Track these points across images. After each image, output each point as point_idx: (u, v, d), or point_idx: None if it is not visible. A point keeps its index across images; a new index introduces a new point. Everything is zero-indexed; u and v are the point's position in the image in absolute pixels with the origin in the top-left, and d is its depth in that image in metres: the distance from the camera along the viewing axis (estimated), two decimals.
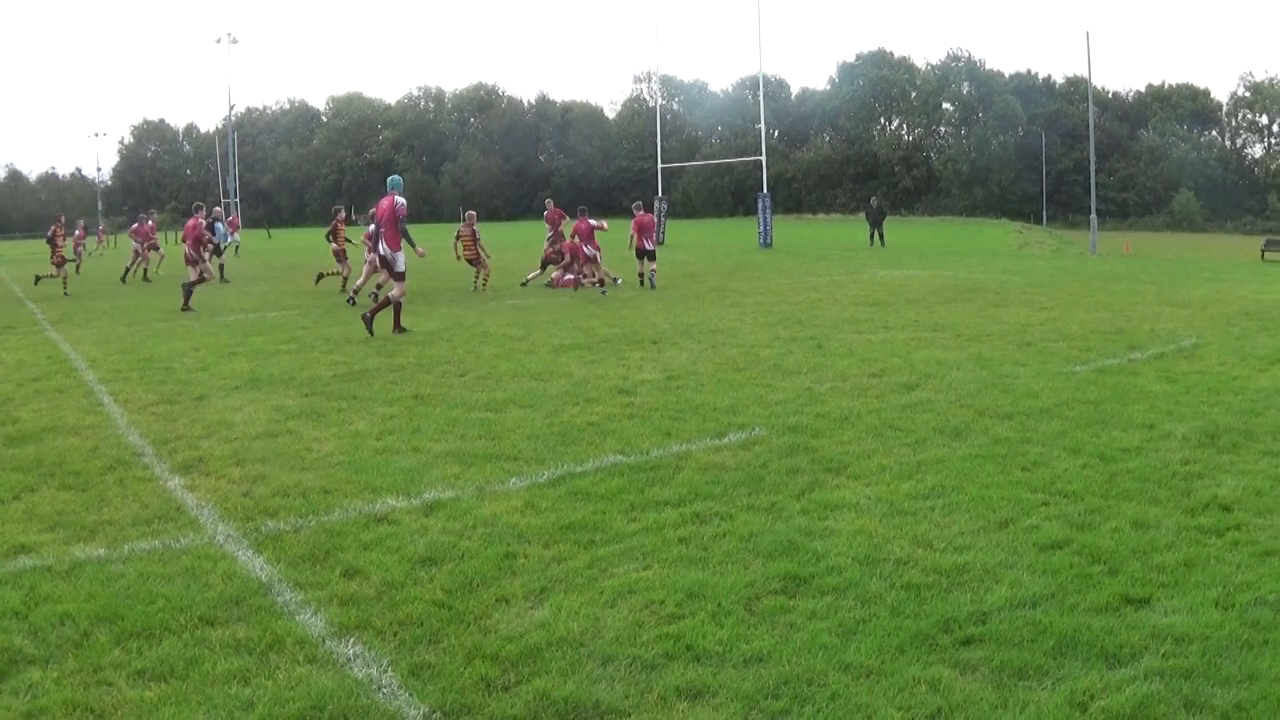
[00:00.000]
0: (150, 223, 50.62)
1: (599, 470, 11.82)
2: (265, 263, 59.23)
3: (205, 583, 8.62)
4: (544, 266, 40.12)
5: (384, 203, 25.45)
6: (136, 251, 48.64)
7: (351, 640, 7.52)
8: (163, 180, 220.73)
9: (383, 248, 25.51)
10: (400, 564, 8.97)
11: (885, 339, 22.20)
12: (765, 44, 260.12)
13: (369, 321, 24.26)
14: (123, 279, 45.86)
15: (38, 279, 44.66)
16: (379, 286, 31.93)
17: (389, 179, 26.12)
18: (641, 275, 37.21)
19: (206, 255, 38.40)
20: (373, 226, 28.48)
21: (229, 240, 48.68)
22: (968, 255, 58.74)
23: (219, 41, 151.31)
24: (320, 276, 40.83)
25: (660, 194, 76.00)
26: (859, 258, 46.43)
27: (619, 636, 7.47)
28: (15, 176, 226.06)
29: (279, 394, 16.96)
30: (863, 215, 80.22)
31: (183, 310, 31.26)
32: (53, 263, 42.79)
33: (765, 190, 72.04)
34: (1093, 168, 76.67)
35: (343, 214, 41.91)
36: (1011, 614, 7.66)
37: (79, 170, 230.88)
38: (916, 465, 11.82)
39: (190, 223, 36.14)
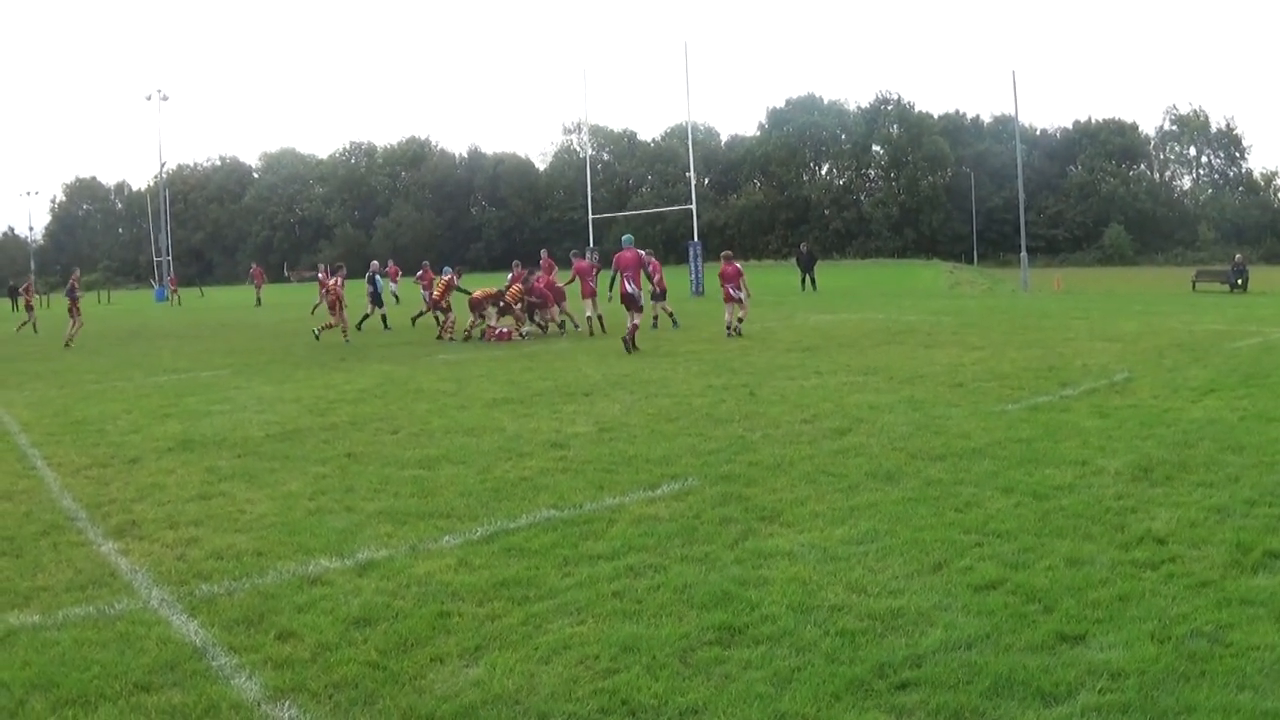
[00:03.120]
0: (26, 284, 50.68)
1: (532, 525, 11.75)
2: (198, 321, 58.76)
3: (140, 648, 8.52)
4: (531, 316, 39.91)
5: (628, 254, 33.31)
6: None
7: (287, 704, 7.45)
8: (95, 239, 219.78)
9: (629, 286, 32.70)
10: (334, 625, 8.88)
11: (817, 384, 22.20)
12: (694, 92, 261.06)
13: (629, 344, 31.13)
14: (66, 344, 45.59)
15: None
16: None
17: (624, 237, 35.06)
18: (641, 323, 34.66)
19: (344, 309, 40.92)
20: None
21: (392, 288, 48.82)
22: (900, 297, 59.02)
23: (149, 99, 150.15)
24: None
25: (591, 245, 76.00)
26: (791, 303, 46.56)
27: (554, 693, 7.41)
28: None
29: (211, 455, 16.79)
30: (793, 260, 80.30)
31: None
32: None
33: (695, 239, 72.13)
34: (1022, 205, 77.02)
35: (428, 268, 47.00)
36: (947, 656, 7.65)
37: (11, 229, 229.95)
38: (849, 510, 11.80)
39: (331, 282, 41.50)
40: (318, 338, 40.47)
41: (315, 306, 54.14)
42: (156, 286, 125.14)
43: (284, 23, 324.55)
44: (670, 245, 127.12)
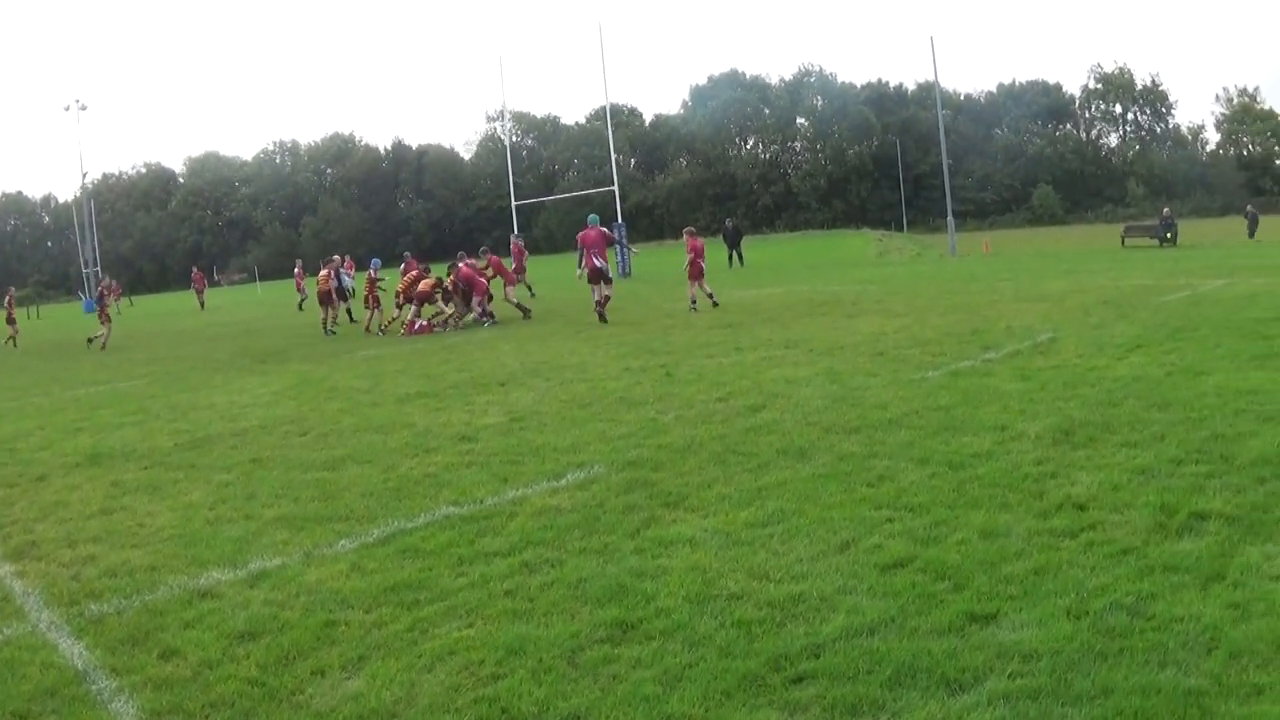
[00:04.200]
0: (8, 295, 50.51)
1: (430, 524, 11.38)
2: (126, 331, 58.12)
3: (22, 674, 8.26)
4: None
5: (591, 233, 35.52)
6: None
7: None
8: (24, 254, 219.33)
9: (597, 261, 34.86)
10: (218, 641, 8.55)
11: (735, 361, 21.89)
12: (617, 72, 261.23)
13: (601, 315, 33.62)
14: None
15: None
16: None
17: (590, 217, 37.18)
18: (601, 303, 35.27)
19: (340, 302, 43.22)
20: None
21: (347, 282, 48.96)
22: (827, 268, 59.08)
23: (67, 109, 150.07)
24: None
25: (516, 231, 75.61)
26: (716, 280, 46.28)
27: (433, 703, 7.09)
28: None
29: (119, 468, 16.41)
30: (720, 237, 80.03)
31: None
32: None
33: (619, 220, 71.79)
34: (945, 170, 77.14)
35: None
36: (847, 644, 7.26)
37: None
38: (757, 491, 11.41)
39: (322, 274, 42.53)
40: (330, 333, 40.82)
41: (302, 301, 54.26)
42: (85, 299, 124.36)
43: (201, 24, 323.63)
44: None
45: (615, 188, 76.74)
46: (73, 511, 13.73)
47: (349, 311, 46.34)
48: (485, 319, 37.88)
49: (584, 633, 7.97)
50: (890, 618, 7.63)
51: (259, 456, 16.23)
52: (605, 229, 37.18)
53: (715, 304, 35.82)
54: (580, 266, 37.14)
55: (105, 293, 49.08)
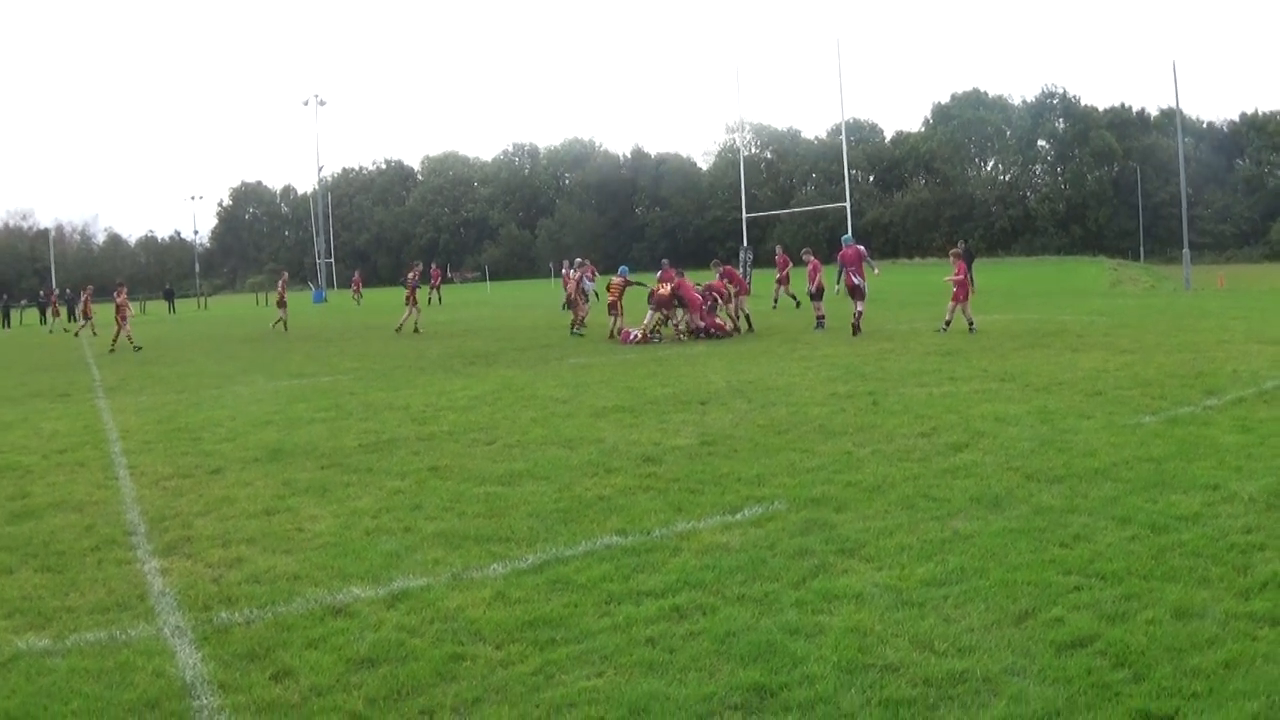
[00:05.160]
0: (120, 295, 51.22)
1: (589, 554, 10.88)
2: (346, 323, 58.66)
3: (131, 682, 8.11)
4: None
5: (850, 252, 38.41)
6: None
7: None
8: (260, 241, 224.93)
9: (855, 279, 37.13)
10: (336, 665, 8.32)
11: (947, 392, 21.08)
12: (859, 88, 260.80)
13: (856, 328, 35.52)
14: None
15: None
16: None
17: (844, 237, 41.91)
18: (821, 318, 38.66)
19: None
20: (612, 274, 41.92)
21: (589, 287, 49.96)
22: (1057, 296, 57.70)
23: (306, 103, 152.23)
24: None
25: (745, 244, 74.97)
26: (945, 303, 45.45)
27: None
28: (115, 240, 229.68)
29: (295, 466, 16.34)
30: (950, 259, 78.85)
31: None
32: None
33: (850, 235, 71.02)
34: (1184, 200, 75.09)
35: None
36: None
37: (178, 233, 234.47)
38: (941, 543, 10.65)
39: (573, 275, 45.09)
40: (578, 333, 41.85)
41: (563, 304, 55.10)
42: (314, 289, 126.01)
43: (445, 26, 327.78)
44: (834, 244, 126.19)
45: (848, 203, 75.24)
46: (236, 509, 13.72)
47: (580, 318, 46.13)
48: (693, 334, 37.50)
49: (719, 695, 7.37)
50: (1055, 710, 6.85)
51: (438, 464, 15.97)
52: (863, 248, 39.31)
53: (973, 330, 34.85)
54: (838, 282, 41.16)
55: (414, 279, 50.59)
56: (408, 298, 49.20)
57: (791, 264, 51.48)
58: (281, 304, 56.37)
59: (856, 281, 37.12)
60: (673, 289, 37.97)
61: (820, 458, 15.17)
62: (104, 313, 63.04)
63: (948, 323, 35.55)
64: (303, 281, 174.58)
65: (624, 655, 8.15)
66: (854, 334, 35.14)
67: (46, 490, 15.32)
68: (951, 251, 38.51)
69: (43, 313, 61.97)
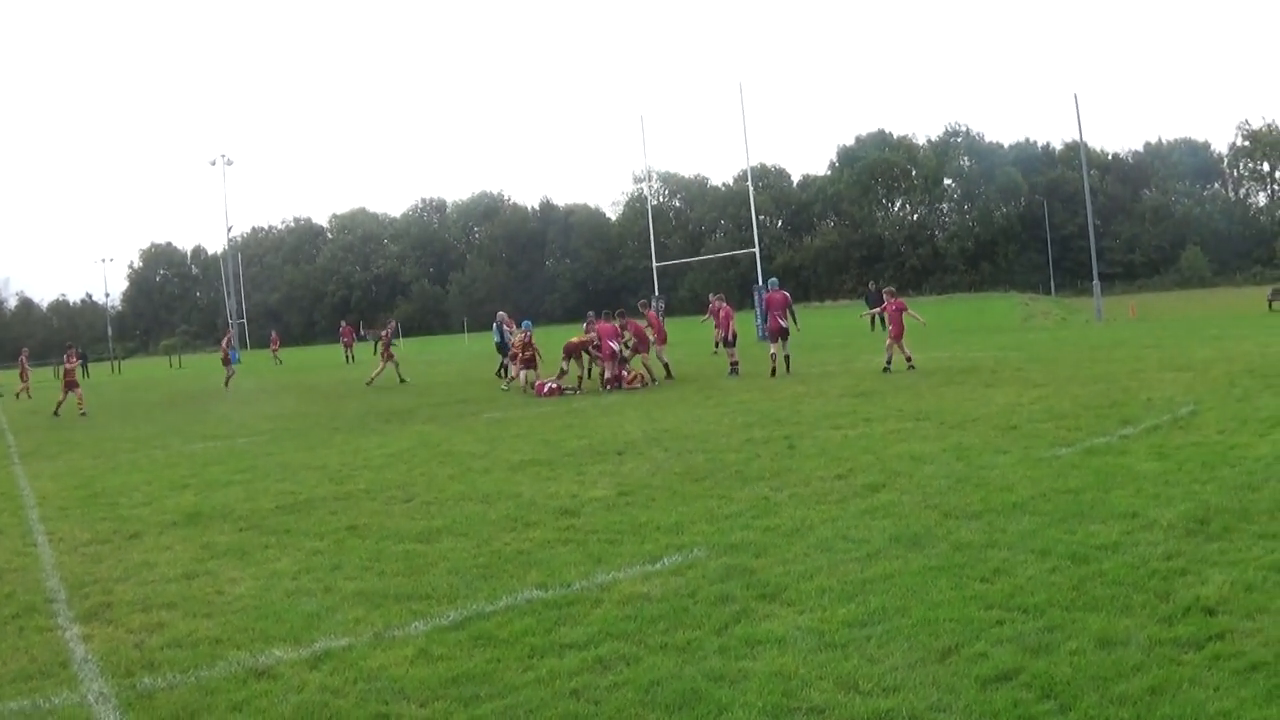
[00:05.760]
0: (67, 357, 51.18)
1: (510, 608, 10.83)
2: (260, 384, 58.52)
3: None
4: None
5: (776, 296, 38.11)
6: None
7: None
8: (172, 303, 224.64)
9: (782, 321, 37.69)
10: None
11: (862, 433, 21.15)
12: (764, 133, 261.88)
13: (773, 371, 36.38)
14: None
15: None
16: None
17: (770, 280, 41.85)
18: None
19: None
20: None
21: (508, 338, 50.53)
22: (970, 333, 58.24)
23: (214, 163, 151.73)
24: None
25: (657, 293, 75.16)
26: (858, 344, 45.50)
27: None
28: (26, 304, 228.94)
29: (214, 529, 16.28)
30: (863, 300, 79.17)
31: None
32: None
33: (760, 282, 71.19)
34: (1092, 233, 75.88)
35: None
36: None
37: (89, 296, 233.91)
38: (862, 584, 10.64)
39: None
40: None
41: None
42: (230, 351, 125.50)
43: (349, 83, 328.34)
44: (746, 290, 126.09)
45: (757, 249, 75.59)
46: (156, 574, 13.65)
47: (504, 369, 46.33)
48: (611, 384, 37.36)
49: None
50: None
51: (356, 524, 15.92)
52: (787, 293, 39.36)
53: (911, 367, 35.07)
54: (764, 325, 42.01)
55: (388, 335, 53.80)
56: (383, 353, 51.09)
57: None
58: (227, 362, 58.55)
59: (783, 324, 37.91)
60: (584, 340, 38.15)
61: (738, 504, 15.18)
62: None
63: (889, 362, 35.57)
64: (216, 343, 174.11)
65: (549, 709, 8.11)
66: (772, 375, 36.24)
67: None
68: (885, 291, 40.12)
69: None
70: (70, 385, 46.03)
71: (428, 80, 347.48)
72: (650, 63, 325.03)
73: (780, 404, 27.71)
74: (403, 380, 49.17)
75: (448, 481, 19.17)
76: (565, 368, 37.68)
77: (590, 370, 39.36)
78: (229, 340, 56.30)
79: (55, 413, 44.44)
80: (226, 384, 55.47)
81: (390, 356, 50.75)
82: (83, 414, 43.41)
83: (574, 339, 38.73)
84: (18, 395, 60.14)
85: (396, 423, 30.61)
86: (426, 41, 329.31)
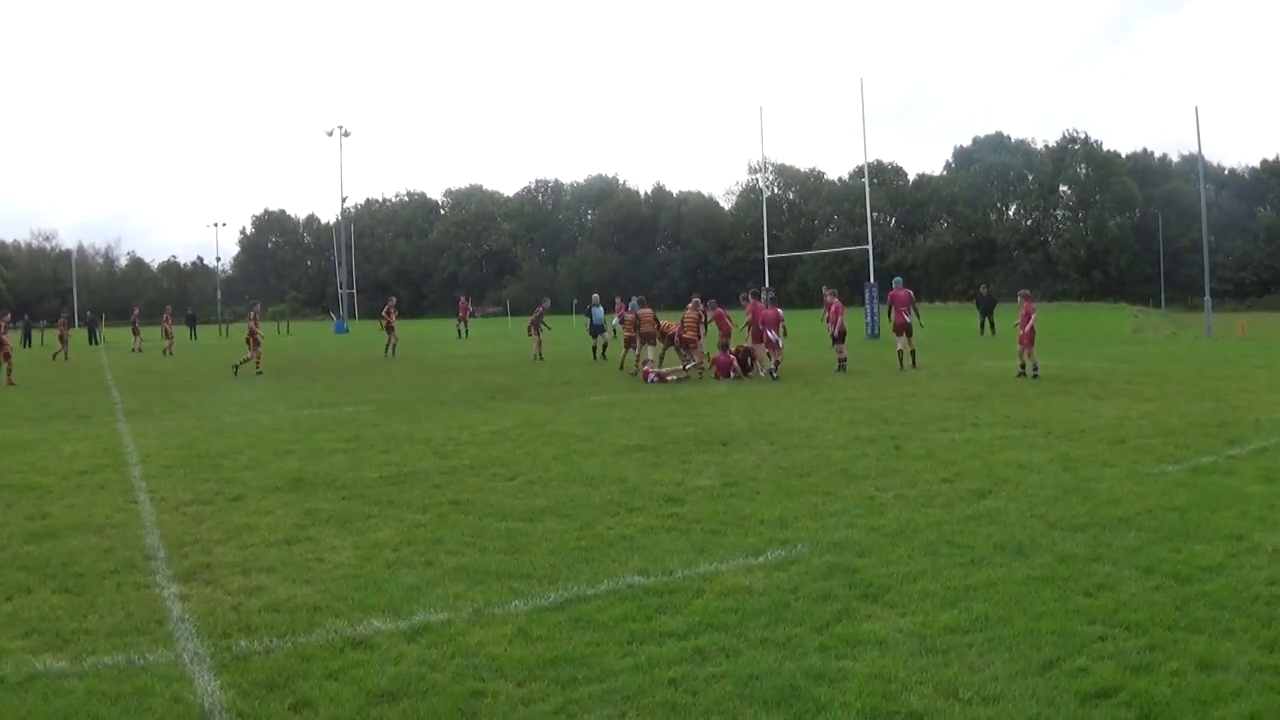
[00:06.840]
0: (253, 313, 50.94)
1: (611, 593, 10.85)
2: (367, 354, 58.52)
3: (148, 707, 8.11)
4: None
5: (901, 293, 40.69)
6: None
7: None
8: (283, 270, 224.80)
9: (907, 316, 39.88)
10: (356, 698, 8.28)
11: (969, 438, 20.98)
12: (882, 129, 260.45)
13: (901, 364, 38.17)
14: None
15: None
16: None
17: (895, 279, 44.05)
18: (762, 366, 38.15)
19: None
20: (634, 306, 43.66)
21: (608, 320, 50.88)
22: (1079, 342, 57.56)
23: (330, 134, 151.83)
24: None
25: (767, 285, 74.93)
26: (966, 348, 45.30)
27: None
28: (137, 264, 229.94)
29: (316, 496, 16.39)
30: (974, 303, 78.46)
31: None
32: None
33: (872, 280, 70.80)
34: (1205, 248, 74.84)
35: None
36: None
37: (200, 259, 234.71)
38: (965, 590, 10.60)
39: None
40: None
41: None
42: (335, 319, 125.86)
43: (470, 60, 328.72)
44: (857, 286, 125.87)
45: (869, 247, 75.16)
46: (257, 537, 13.75)
47: (602, 349, 47.79)
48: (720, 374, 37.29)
49: None
50: None
51: (459, 499, 15.96)
52: (911, 291, 42.01)
53: (1036, 377, 34.04)
54: (891, 318, 41.31)
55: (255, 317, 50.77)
56: (534, 330, 50.34)
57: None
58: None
59: (908, 319, 39.72)
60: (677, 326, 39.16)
61: (843, 501, 15.13)
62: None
63: (1023, 367, 34.99)
64: (324, 312, 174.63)
65: (646, 696, 8.11)
66: (900, 369, 38.38)
67: (66, 511, 15.40)
68: (1020, 293, 38.47)
69: (62, 340, 62.31)
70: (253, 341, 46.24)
71: (548, 61, 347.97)
72: (771, 53, 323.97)
73: (888, 403, 27.56)
74: (540, 358, 48.66)
75: (552, 462, 19.19)
76: (690, 356, 37.85)
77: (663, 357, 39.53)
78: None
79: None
80: (390, 350, 55.39)
81: (538, 333, 50.04)
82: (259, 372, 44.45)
83: (672, 324, 39.24)
84: (164, 352, 61.31)
85: (502, 400, 30.70)
86: (548, 22, 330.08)
